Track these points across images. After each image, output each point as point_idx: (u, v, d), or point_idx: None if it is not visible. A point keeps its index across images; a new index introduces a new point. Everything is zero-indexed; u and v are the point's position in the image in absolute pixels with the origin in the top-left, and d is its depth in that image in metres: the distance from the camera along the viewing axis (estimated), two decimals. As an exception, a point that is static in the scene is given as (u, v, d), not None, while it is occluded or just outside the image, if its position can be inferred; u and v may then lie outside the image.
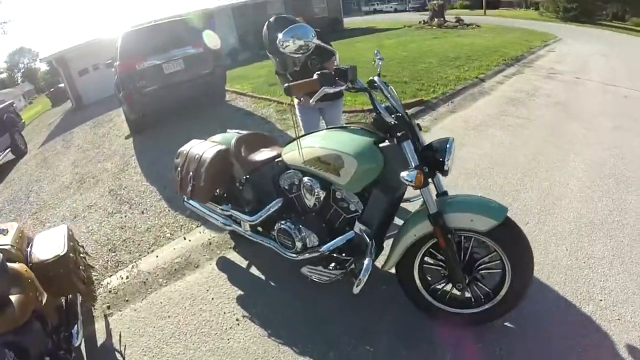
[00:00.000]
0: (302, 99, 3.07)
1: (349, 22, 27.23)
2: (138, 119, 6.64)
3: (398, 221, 2.17)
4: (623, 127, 4.93)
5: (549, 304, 2.16)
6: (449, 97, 6.33)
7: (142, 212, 4.00)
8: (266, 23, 2.69)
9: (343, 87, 1.79)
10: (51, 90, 23.64)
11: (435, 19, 19.87)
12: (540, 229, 2.83)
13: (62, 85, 17.58)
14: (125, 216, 4.03)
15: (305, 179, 2.04)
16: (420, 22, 20.97)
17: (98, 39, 13.12)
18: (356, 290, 1.90)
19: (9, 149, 8.44)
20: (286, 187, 2.23)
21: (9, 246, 2.16)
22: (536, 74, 8.33)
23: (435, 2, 21.80)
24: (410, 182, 1.68)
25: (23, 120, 10.39)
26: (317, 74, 1.76)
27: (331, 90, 1.76)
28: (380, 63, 2.11)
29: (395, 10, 47.40)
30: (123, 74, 6.23)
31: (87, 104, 14.48)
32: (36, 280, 2.03)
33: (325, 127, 3.32)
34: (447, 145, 1.77)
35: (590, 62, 9.98)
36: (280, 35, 1.75)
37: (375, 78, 1.87)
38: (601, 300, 2.15)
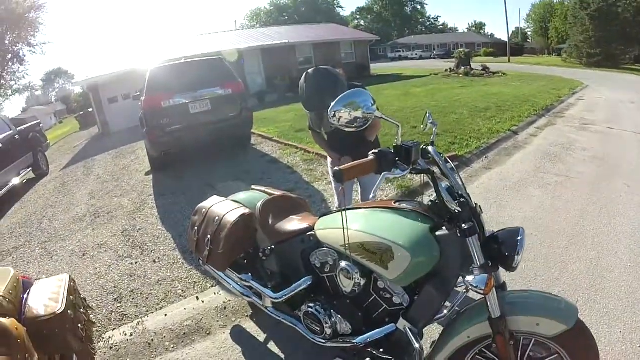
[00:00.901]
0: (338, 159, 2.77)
1: (376, 68, 27.66)
2: (160, 157, 6.52)
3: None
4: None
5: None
6: (483, 152, 6.07)
7: (154, 261, 3.75)
8: (304, 75, 2.45)
9: (405, 173, 1.48)
10: (81, 113, 24.23)
11: (462, 67, 19.95)
12: (591, 308, 2.52)
13: (91, 110, 18.00)
14: (136, 262, 3.79)
15: (343, 263, 1.72)
16: (446, 69, 21.11)
17: (130, 70, 13.33)
18: None
19: (30, 168, 8.51)
20: (317, 266, 1.91)
21: (1, 298, 1.95)
22: (569, 125, 8.07)
23: (461, 50, 22.04)
24: (478, 288, 1.38)
25: (48, 142, 10.55)
26: (374, 154, 1.46)
27: (391, 175, 1.48)
28: (434, 129, 1.75)
29: (420, 58, 48.78)
30: (148, 110, 6.16)
31: (114, 131, 14.67)
32: (27, 339, 1.81)
33: (360, 192, 3.08)
34: (519, 238, 1.45)
35: (621, 110, 9.74)
36: (332, 104, 1.49)
37: (430, 148, 1.54)
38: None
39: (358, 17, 72.68)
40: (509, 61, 33.83)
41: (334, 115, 1.51)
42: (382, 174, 1.48)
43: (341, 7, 72.09)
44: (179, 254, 3.82)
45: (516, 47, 48.33)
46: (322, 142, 2.91)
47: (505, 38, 45.66)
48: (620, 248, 3.21)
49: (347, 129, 1.53)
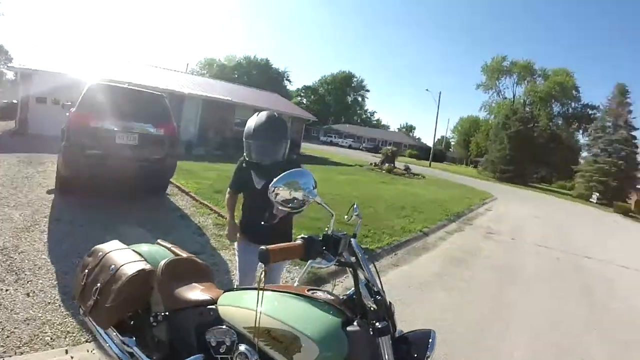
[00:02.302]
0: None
1: (306, 147, 28.53)
2: (69, 178, 5.94)
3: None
4: (557, 292, 5.37)
5: None
6: (393, 249, 6.31)
7: (28, 294, 3.26)
8: (256, 115, 2.44)
9: (331, 264, 1.45)
10: (4, 101, 21.70)
11: (387, 164, 21.39)
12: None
13: (16, 102, 16.27)
14: (6, 291, 3.26)
15: (242, 346, 1.58)
16: (372, 163, 22.59)
17: (71, 77, 12.42)
18: None
19: None
20: (212, 344, 1.73)
21: None
22: (476, 232, 8.87)
23: (389, 147, 24.10)
24: None
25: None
26: (303, 239, 1.41)
27: (317, 265, 1.45)
28: (359, 221, 1.77)
29: (350, 147, 51.53)
30: (73, 124, 5.74)
31: (31, 133, 13.38)
32: None
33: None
34: (430, 341, 1.46)
35: (524, 223, 10.98)
36: (275, 179, 1.47)
37: (352, 241, 1.53)
38: None
39: (302, 94, 76.46)
40: (430, 165, 37.32)
41: (273, 191, 1.48)
42: (309, 261, 1.45)
43: (289, 80, 75.46)
44: (58, 294, 3.36)
45: (439, 153, 53.82)
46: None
47: (430, 143, 50.57)
48: (519, 354, 3.56)
49: (280, 207, 1.50)
